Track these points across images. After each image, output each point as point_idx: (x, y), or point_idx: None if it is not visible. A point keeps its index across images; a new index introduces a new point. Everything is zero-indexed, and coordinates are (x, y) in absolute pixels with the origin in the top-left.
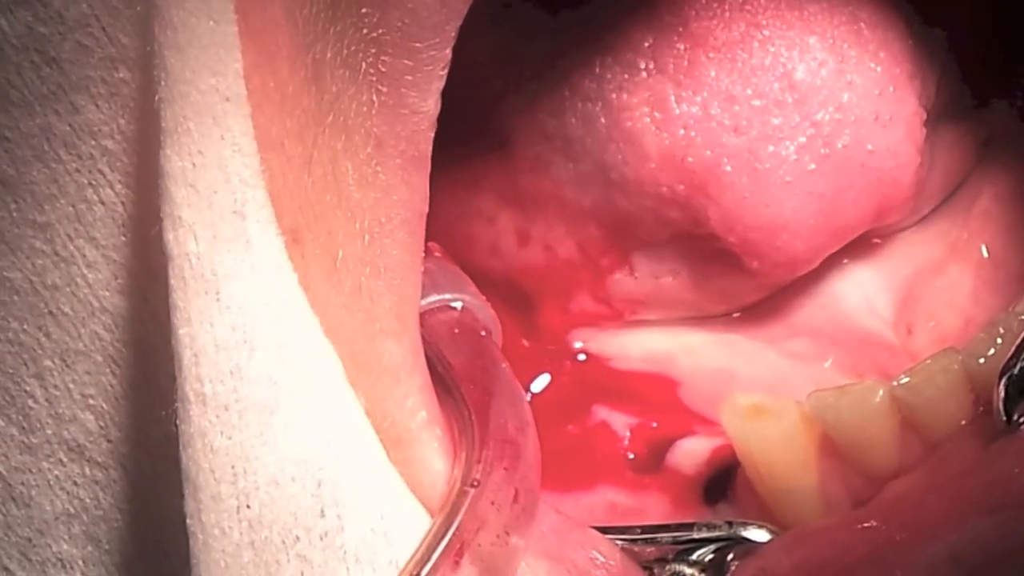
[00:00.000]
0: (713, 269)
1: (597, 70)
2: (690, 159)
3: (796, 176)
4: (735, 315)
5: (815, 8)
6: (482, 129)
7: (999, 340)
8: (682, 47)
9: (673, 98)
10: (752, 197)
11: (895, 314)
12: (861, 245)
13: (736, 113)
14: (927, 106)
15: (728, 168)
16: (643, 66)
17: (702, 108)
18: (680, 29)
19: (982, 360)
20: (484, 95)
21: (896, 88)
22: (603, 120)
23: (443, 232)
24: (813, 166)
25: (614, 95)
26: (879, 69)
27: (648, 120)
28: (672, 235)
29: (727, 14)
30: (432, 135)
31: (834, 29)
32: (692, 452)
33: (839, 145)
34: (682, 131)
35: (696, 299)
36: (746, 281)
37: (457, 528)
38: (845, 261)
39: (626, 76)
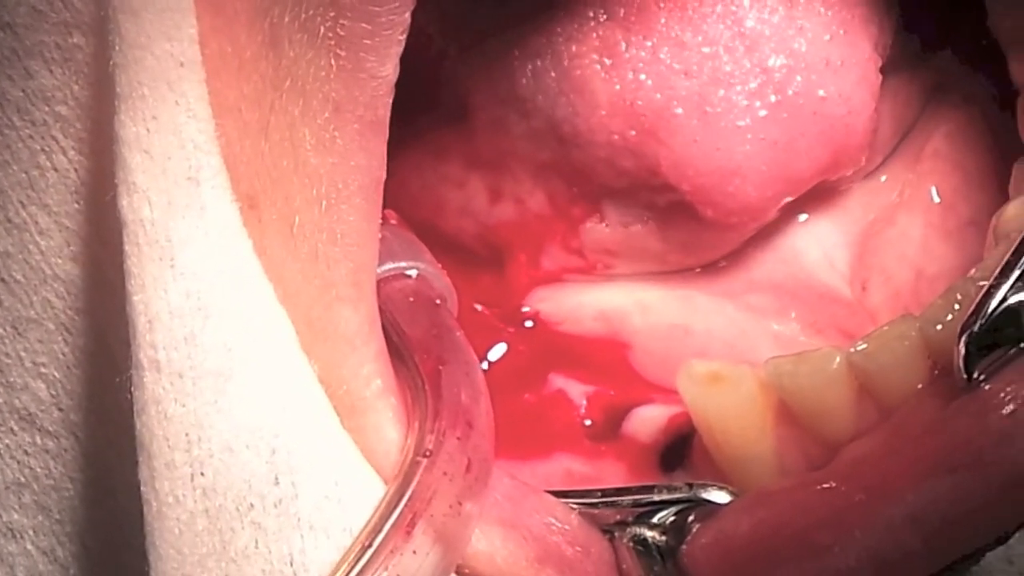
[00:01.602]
0: (674, 220)
1: (546, 25)
2: (640, 103)
3: (747, 122)
4: (697, 270)
5: None
6: (442, 97)
7: (956, 306)
8: None
9: (623, 43)
10: (703, 141)
11: (851, 269)
12: (819, 197)
13: (686, 58)
14: (883, 53)
15: (678, 111)
16: (591, 15)
17: (651, 53)
18: None
19: (939, 327)
20: (439, 63)
21: (848, 32)
22: (553, 74)
23: (411, 199)
24: (764, 112)
25: (563, 47)
26: (829, 14)
27: (598, 67)
28: (630, 185)
29: None
30: (390, 100)
31: None
32: (649, 420)
33: (790, 92)
34: (631, 75)
35: (663, 249)
36: (706, 232)
37: (409, 498)
38: (805, 215)
39: (575, 26)
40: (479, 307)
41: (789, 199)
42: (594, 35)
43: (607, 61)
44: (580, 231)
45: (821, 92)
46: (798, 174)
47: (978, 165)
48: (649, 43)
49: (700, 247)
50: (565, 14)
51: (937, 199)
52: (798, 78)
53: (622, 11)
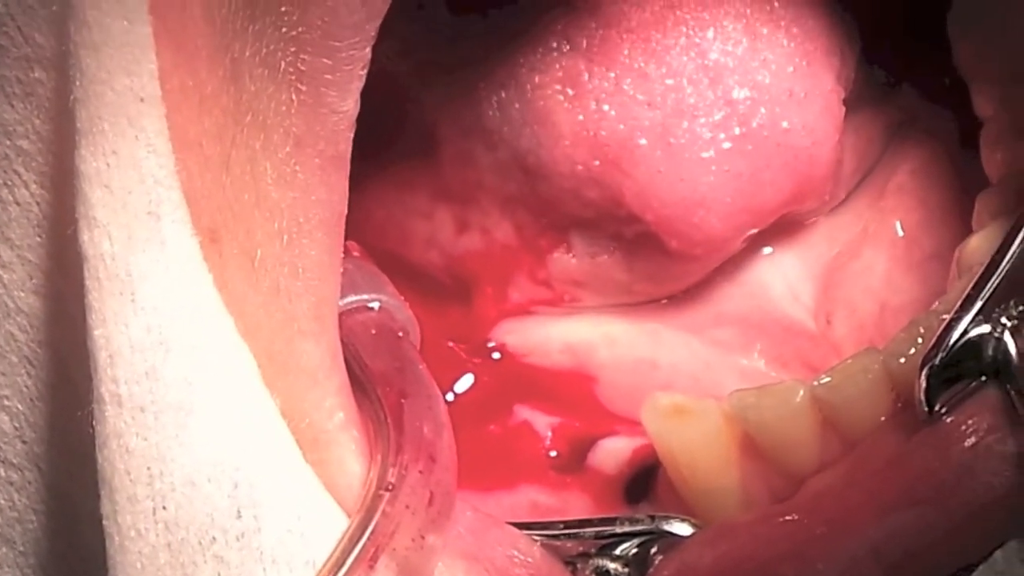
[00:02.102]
0: (640, 251)
1: (510, 56)
2: (603, 132)
3: (712, 154)
4: (663, 302)
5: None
6: (407, 129)
7: (919, 339)
8: (594, 26)
9: (586, 74)
10: (667, 172)
11: (815, 303)
12: (784, 231)
13: (650, 89)
14: (846, 85)
15: (642, 141)
16: (555, 45)
17: (615, 83)
18: (593, 11)
19: (903, 359)
20: (404, 96)
21: (811, 64)
22: (517, 105)
23: (377, 230)
24: (729, 144)
25: (526, 77)
26: (792, 45)
27: (561, 97)
28: (596, 215)
29: None
30: (351, 135)
31: (747, 7)
32: (613, 452)
33: (754, 124)
34: (594, 104)
35: (629, 280)
36: (671, 264)
37: (372, 531)
38: (770, 248)
39: (538, 56)
40: (446, 341)
41: (754, 231)
42: (557, 65)
43: (570, 92)
44: (547, 261)
45: (785, 124)
46: (763, 205)
47: (941, 200)
48: (612, 74)
49: (666, 278)
50: (528, 45)
51: (901, 233)
52: (762, 110)
53: (585, 42)
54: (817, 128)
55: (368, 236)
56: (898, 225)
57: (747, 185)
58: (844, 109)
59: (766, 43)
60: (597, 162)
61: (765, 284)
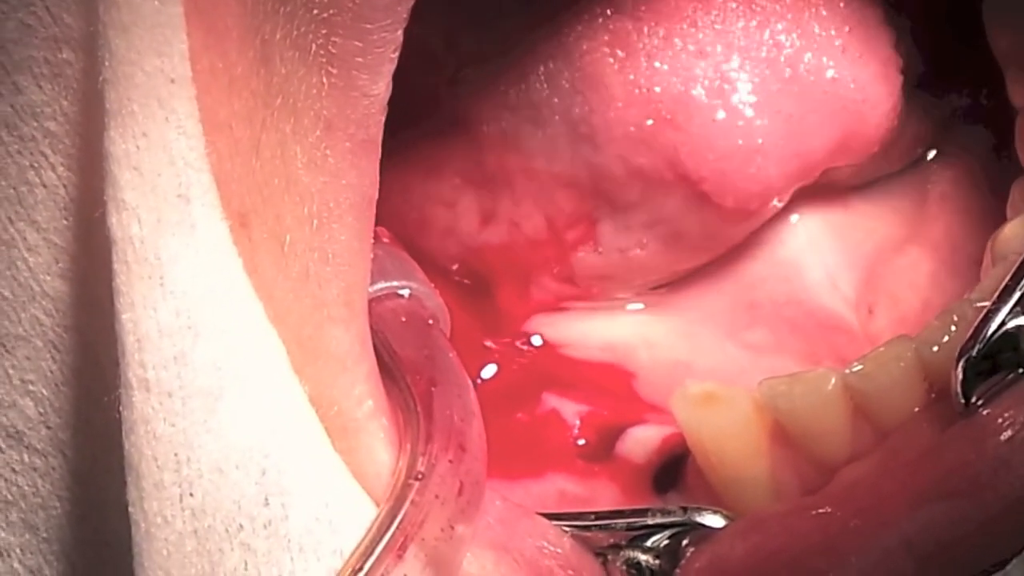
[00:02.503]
0: (683, 223)
1: (555, 29)
2: (657, 89)
3: (762, 96)
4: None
5: None
6: (433, 112)
7: (953, 328)
8: None
9: (634, 33)
10: (722, 120)
11: (857, 293)
12: (826, 214)
13: (700, 40)
14: (904, 60)
15: (695, 92)
16: (599, 11)
17: (664, 39)
18: None
19: (936, 348)
20: (435, 78)
21: (867, 28)
22: (566, 74)
23: (394, 217)
24: (777, 86)
25: (573, 46)
26: (848, 9)
27: (611, 60)
28: (643, 191)
29: None
30: (383, 119)
31: None
32: (642, 440)
33: (801, 68)
34: (644, 62)
35: (664, 262)
36: (718, 225)
37: (401, 521)
38: (808, 231)
39: (583, 25)
40: (475, 330)
41: (802, 184)
42: (603, 30)
43: (620, 53)
44: (571, 259)
45: (831, 73)
46: (811, 152)
47: (982, 207)
48: (661, 30)
49: (707, 245)
50: (573, 15)
51: (945, 239)
52: (808, 55)
53: (630, 3)
54: (868, 88)
55: (384, 223)
56: (942, 231)
57: (797, 127)
58: (902, 78)
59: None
60: (651, 121)
61: (802, 268)
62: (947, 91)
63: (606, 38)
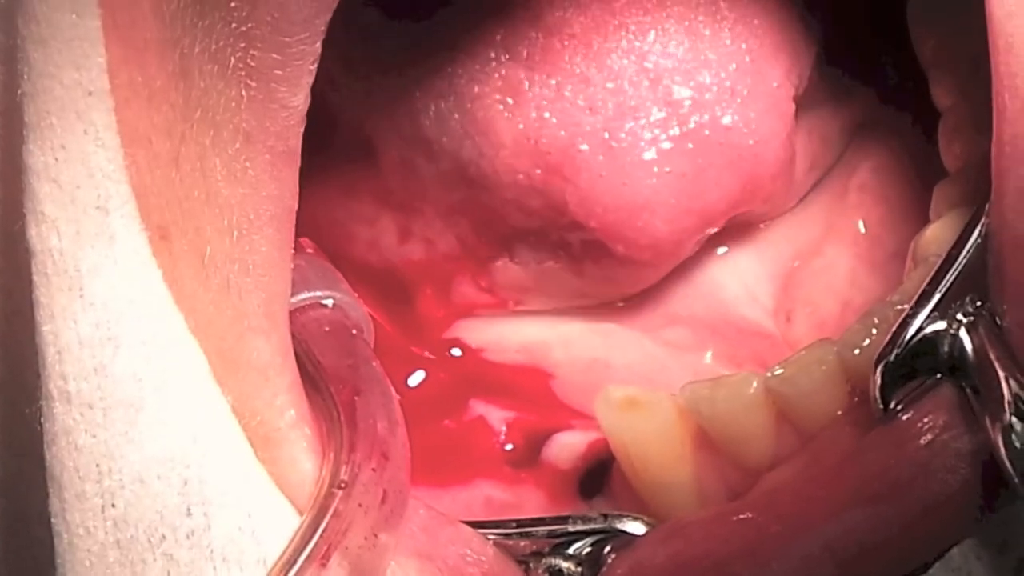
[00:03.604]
0: (587, 258)
1: (449, 68)
2: (544, 140)
3: (653, 155)
4: (619, 304)
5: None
6: (348, 135)
7: (874, 331)
8: (535, 35)
9: (526, 82)
10: (608, 176)
11: (775, 301)
12: (741, 232)
13: (590, 94)
14: (798, 82)
15: (583, 147)
16: (494, 56)
17: (555, 90)
18: (534, 20)
19: (857, 351)
20: (344, 102)
21: (754, 60)
22: (456, 116)
23: (319, 230)
24: (669, 145)
25: (465, 88)
26: (735, 44)
27: (501, 107)
28: (541, 225)
29: (582, 3)
30: (301, 130)
31: (691, 10)
32: (568, 446)
33: (694, 123)
34: (534, 113)
35: (579, 285)
36: (621, 269)
37: (324, 529)
38: (725, 249)
39: (477, 67)
40: (399, 338)
41: (711, 231)
42: (496, 75)
43: (509, 101)
44: (491, 270)
45: (726, 121)
46: (709, 206)
47: (904, 198)
48: (553, 81)
49: (617, 283)
50: (466, 54)
51: (864, 231)
52: (703, 109)
53: (525, 51)
54: (761, 125)
55: (313, 236)
56: (861, 223)
57: (691, 185)
58: (794, 106)
59: (708, 43)
60: (539, 171)
61: (720, 285)
62: (864, 80)
63: (499, 84)
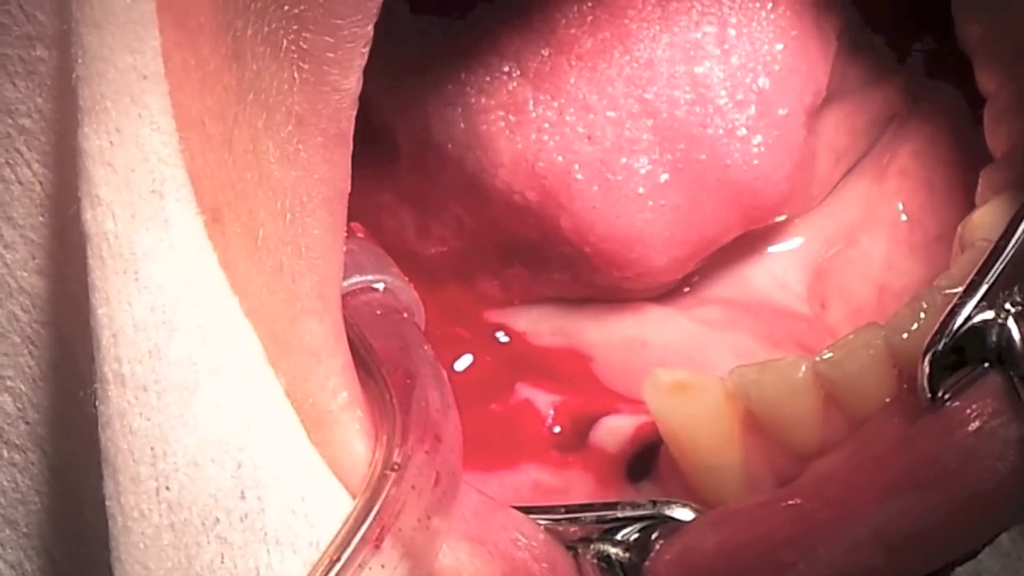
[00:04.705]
0: (591, 270)
1: (463, 74)
2: (541, 164)
3: (648, 189)
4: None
5: (685, 21)
6: (378, 127)
7: (922, 315)
8: (546, 52)
9: (531, 101)
10: (603, 208)
11: (807, 289)
12: (768, 227)
13: (590, 122)
14: (812, 98)
15: (579, 176)
16: (505, 69)
17: (557, 113)
18: (548, 34)
19: (905, 335)
20: (371, 95)
21: (760, 93)
22: (462, 125)
23: (360, 217)
24: (666, 177)
25: (473, 99)
26: (739, 76)
27: (503, 124)
28: (540, 241)
29: (597, 22)
30: (354, 113)
31: (699, 39)
32: (615, 429)
33: (693, 160)
34: (534, 135)
35: (588, 291)
36: (625, 282)
37: (377, 512)
38: (753, 241)
39: (487, 79)
40: (448, 323)
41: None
42: (504, 90)
43: (512, 118)
44: (501, 271)
45: (727, 160)
46: (706, 236)
47: (946, 180)
48: (556, 103)
49: (625, 291)
50: (479, 64)
51: (904, 216)
52: (702, 147)
53: (534, 67)
54: (764, 161)
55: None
56: (900, 207)
57: (686, 217)
58: (804, 132)
59: (714, 75)
60: (534, 193)
61: (746, 276)
62: (904, 58)
63: (504, 99)
